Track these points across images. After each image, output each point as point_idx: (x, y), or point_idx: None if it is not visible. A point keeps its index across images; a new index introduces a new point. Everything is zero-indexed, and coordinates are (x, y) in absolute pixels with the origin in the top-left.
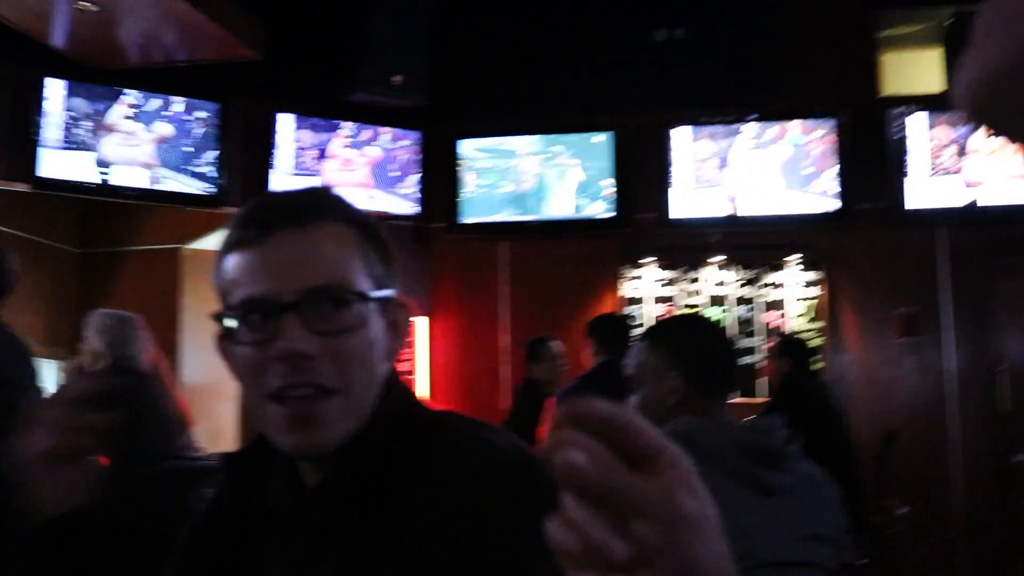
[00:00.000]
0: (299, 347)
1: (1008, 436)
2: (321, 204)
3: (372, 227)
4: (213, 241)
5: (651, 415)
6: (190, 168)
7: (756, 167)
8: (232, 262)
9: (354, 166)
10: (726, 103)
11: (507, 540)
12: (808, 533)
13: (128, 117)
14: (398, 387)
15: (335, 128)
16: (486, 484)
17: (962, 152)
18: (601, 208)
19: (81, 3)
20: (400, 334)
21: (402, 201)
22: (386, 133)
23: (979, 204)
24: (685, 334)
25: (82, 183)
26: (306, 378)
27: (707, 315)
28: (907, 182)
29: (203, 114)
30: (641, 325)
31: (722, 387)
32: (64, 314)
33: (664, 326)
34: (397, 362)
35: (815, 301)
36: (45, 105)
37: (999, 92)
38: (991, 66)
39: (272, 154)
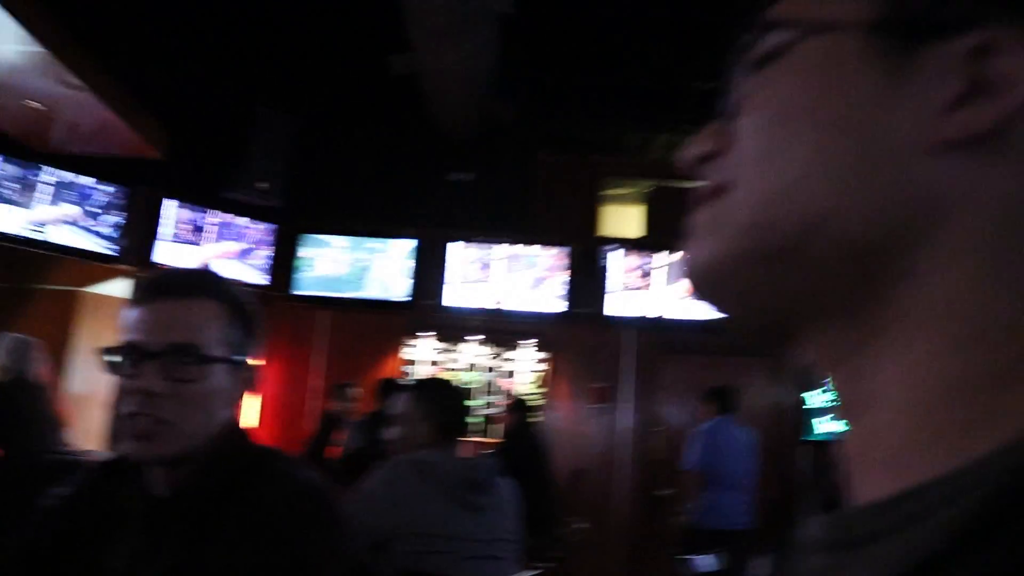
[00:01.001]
0: (148, 386)
1: (658, 476)
2: (199, 283)
3: (241, 305)
4: (106, 288)
5: (405, 447)
6: (95, 230)
7: (507, 275)
8: (128, 314)
9: (219, 242)
10: (493, 227)
11: (301, 545)
12: (499, 537)
13: (49, 185)
14: (236, 429)
15: (207, 212)
16: (289, 507)
17: (646, 276)
18: (397, 293)
19: (29, 101)
20: (245, 389)
21: (253, 271)
22: (246, 221)
23: (654, 315)
24: (437, 393)
25: (11, 235)
26: (150, 410)
27: (459, 379)
28: (607, 297)
29: (109, 190)
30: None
31: (457, 432)
32: None
33: (423, 385)
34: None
35: (542, 374)
36: None
37: (713, 279)
38: (705, 258)
39: (157, 227)
